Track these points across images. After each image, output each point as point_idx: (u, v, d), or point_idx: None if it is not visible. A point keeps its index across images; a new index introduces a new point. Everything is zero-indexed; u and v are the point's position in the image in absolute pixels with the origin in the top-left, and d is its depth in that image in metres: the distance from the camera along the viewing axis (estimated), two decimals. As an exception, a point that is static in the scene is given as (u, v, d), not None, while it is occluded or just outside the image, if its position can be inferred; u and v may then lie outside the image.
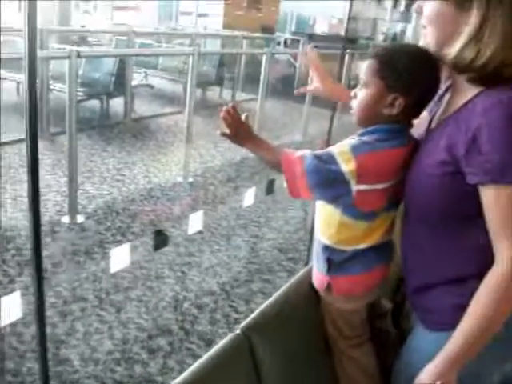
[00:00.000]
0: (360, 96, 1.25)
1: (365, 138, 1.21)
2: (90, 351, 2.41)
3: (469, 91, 1.09)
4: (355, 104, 1.27)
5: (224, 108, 1.25)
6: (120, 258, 1.75)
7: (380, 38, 19.57)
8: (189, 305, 2.85)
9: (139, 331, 2.58)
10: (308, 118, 6.77)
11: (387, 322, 1.60)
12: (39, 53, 5.18)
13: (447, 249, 1.17)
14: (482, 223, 1.06)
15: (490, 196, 1.03)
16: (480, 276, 1.08)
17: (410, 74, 1.19)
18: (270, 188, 2.87)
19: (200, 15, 15.14)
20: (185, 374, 1.07)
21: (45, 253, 3.14)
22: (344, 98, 1.52)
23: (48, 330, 2.47)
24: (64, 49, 4.23)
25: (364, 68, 1.25)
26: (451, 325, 1.12)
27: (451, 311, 1.15)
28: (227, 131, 1.26)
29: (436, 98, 1.26)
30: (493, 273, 1.05)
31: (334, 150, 1.18)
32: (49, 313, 2.63)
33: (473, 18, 1.05)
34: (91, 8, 16.43)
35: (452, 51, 1.09)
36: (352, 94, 1.28)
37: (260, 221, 4.10)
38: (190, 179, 4.78)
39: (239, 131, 1.26)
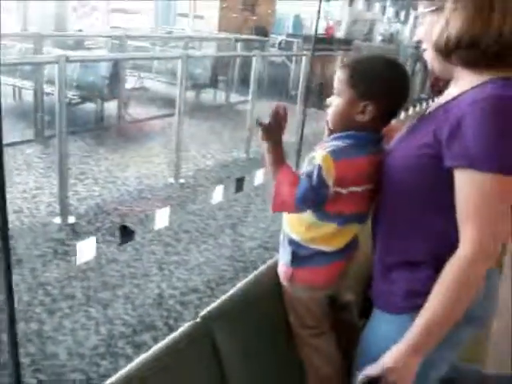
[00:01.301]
0: (334, 104, 1.34)
1: (341, 143, 1.29)
2: (76, 346, 2.49)
3: (464, 84, 1.16)
4: (330, 112, 1.36)
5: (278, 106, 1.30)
6: (86, 251, 1.83)
7: (378, 38, 19.59)
8: (174, 301, 2.93)
9: (125, 327, 2.67)
10: (300, 117, 6.84)
11: (351, 314, 1.68)
12: (30, 58, 5.30)
13: (409, 231, 1.25)
14: (446, 212, 1.14)
15: (463, 180, 1.09)
16: (433, 264, 1.16)
17: (378, 81, 1.29)
18: (239, 186, 2.95)
19: (197, 17, 15.21)
20: (139, 360, 1.13)
21: (35, 252, 3.27)
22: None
23: (36, 326, 2.59)
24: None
25: (336, 78, 1.34)
26: (403, 308, 1.21)
27: (404, 295, 1.24)
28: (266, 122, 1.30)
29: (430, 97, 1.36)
30: (456, 256, 1.11)
31: (318, 159, 1.24)
32: (38, 310, 2.72)
33: (445, 11, 1.14)
34: (88, 10, 16.50)
35: (434, 39, 1.17)
36: (327, 102, 1.38)
37: (248, 220, 4.18)
38: (181, 180, 4.87)
39: (275, 129, 1.31)
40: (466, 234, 1.10)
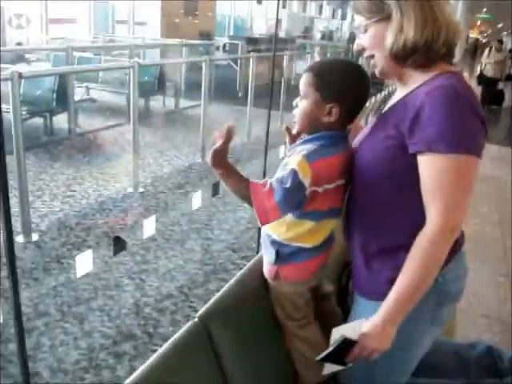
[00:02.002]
0: (300, 107, 1.43)
1: (312, 146, 1.37)
2: (58, 363, 2.50)
3: (415, 82, 1.30)
4: (297, 114, 1.44)
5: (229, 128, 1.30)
6: (84, 263, 1.87)
7: (318, 35, 19.94)
8: (150, 309, 2.97)
9: (104, 339, 2.69)
10: (251, 119, 6.96)
11: (331, 303, 1.78)
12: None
13: (385, 220, 1.36)
14: (417, 196, 1.25)
15: (425, 163, 1.22)
16: (410, 247, 1.26)
17: (341, 85, 1.38)
18: (215, 190, 3.04)
19: (137, 23, 15.09)
20: (146, 365, 1.19)
21: (2, 273, 3.22)
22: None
23: (14, 347, 2.57)
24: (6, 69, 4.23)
25: (302, 81, 1.42)
26: (387, 294, 1.30)
27: (387, 282, 1.32)
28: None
29: (382, 98, 1.48)
30: (423, 231, 1.23)
31: (292, 164, 1.32)
32: (13, 330, 2.69)
33: (394, 21, 1.28)
34: (24, 22, 16.04)
35: (387, 47, 1.29)
36: (294, 103, 1.46)
37: (212, 223, 4.24)
38: (141, 189, 4.88)
39: (217, 157, 1.32)
40: (431, 210, 1.23)
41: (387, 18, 1.28)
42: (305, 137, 1.46)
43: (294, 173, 1.30)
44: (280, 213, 1.33)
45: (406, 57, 1.29)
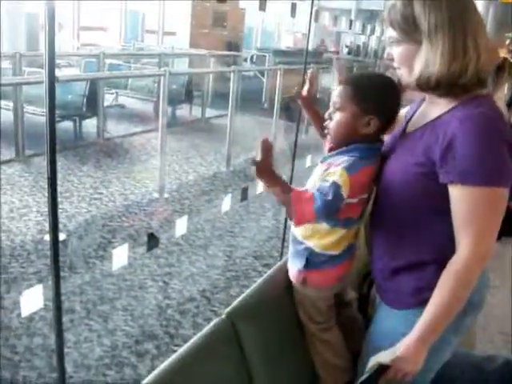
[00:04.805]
0: (337, 118, 1.45)
1: (351, 158, 1.40)
2: (82, 358, 2.56)
3: (443, 104, 1.31)
4: (332, 125, 1.46)
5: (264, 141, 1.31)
6: (120, 257, 1.93)
7: (344, 50, 20.03)
8: (172, 311, 3.03)
9: (127, 337, 2.75)
10: (276, 131, 7.02)
11: (353, 310, 1.81)
12: (17, 78, 5.33)
13: (412, 237, 1.39)
14: (443, 217, 1.28)
15: (457, 194, 1.24)
16: (437, 262, 1.30)
17: (381, 98, 1.42)
18: (244, 195, 3.11)
19: (166, 33, 15.36)
20: (173, 358, 1.24)
21: (31, 270, 3.32)
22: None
23: (40, 341, 2.65)
24: (38, 73, 4.37)
25: (337, 93, 1.45)
26: (412, 304, 1.35)
27: (412, 292, 1.37)
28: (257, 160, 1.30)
29: (414, 106, 1.50)
30: (453, 261, 1.26)
31: (334, 176, 1.35)
32: (39, 325, 2.78)
33: (422, 52, 1.28)
34: (56, 28, 16.38)
35: (414, 77, 1.31)
36: (326, 115, 1.48)
37: (235, 231, 4.30)
38: (166, 195, 4.96)
39: (261, 169, 1.32)
40: (461, 240, 1.25)
41: (418, 42, 1.29)
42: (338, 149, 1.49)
43: (336, 186, 1.33)
44: (315, 219, 1.38)
45: (430, 89, 1.31)
